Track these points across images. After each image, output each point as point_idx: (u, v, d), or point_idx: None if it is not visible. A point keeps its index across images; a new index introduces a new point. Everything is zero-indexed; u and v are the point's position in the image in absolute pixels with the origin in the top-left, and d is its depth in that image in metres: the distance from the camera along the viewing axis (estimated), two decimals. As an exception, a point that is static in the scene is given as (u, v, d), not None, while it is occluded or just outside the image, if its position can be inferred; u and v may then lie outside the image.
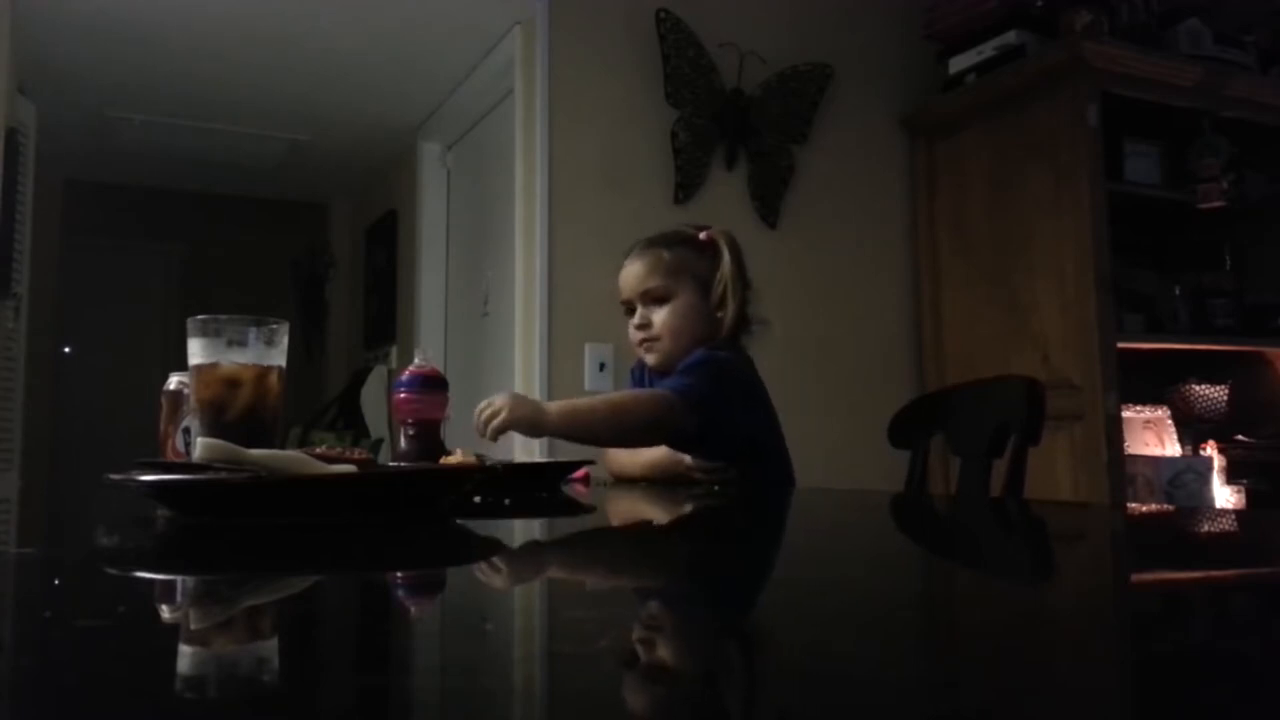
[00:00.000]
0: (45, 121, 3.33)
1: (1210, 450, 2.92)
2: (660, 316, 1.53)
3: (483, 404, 1.37)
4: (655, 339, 1.53)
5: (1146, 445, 2.88)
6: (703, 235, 1.56)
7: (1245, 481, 2.85)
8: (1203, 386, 2.99)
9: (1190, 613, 0.50)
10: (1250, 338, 2.95)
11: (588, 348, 2.70)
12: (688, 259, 1.54)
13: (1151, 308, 2.86)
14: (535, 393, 2.67)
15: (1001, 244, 2.85)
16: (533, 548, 0.85)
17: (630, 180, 2.81)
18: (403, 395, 1.42)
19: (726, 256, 1.53)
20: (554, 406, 1.40)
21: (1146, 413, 2.92)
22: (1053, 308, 2.68)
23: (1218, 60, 2.87)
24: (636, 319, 1.55)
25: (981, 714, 0.30)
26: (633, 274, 1.56)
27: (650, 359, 1.55)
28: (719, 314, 1.51)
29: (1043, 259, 2.71)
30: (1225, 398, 2.98)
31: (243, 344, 0.98)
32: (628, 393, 1.47)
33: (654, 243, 1.57)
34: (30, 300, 3.27)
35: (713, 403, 1.40)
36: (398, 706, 0.32)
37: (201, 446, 0.85)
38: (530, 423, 1.36)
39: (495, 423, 1.33)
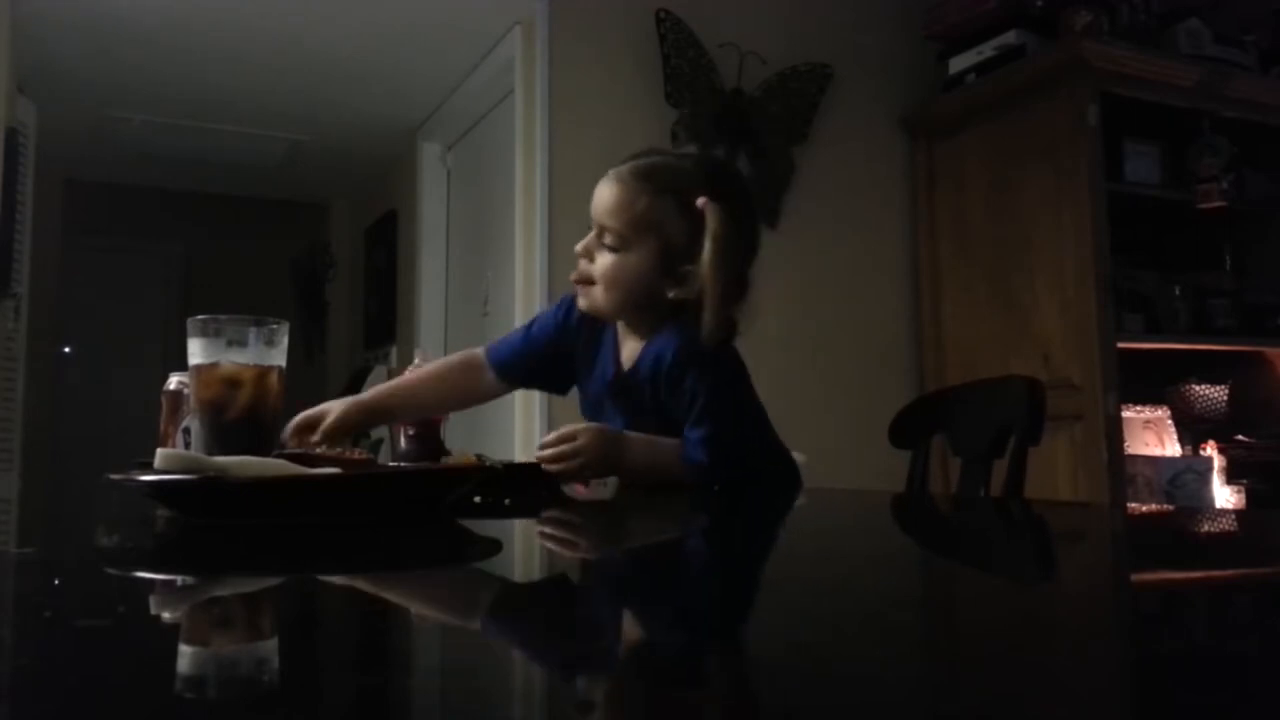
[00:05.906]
0: (45, 121, 3.33)
1: (1210, 450, 2.91)
2: (603, 262, 1.25)
3: (556, 436, 1.18)
4: (590, 283, 1.27)
5: (1146, 445, 2.88)
6: (700, 201, 1.21)
7: (1245, 481, 2.85)
8: (1203, 386, 2.99)
9: (1190, 613, 0.50)
10: (1250, 338, 2.95)
11: (588, 348, 2.69)
12: (666, 215, 1.23)
13: (1151, 308, 2.86)
14: (535, 394, 2.67)
15: (1001, 244, 2.85)
16: (532, 548, 0.85)
17: (630, 180, 2.80)
18: (403, 395, 1.42)
19: (708, 251, 1.18)
20: (636, 448, 1.22)
21: (1146, 413, 2.92)
22: (1053, 308, 2.68)
23: (1218, 60, 2.87)
24: (581, 246, 1.28)
25: (981, 714, 0.30)
26: (600, 200, 1.28)
27: (581, 302, 1.29)
28: (671, 292, 1.22)
29: (1043, 259, 2.71)
30: (1225, 398, 2.98)
31: (243, 344, 0.98)
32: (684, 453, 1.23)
33: (642, 175, 1.27)
34: (30, 300, 3.27)
35: (731, 447, 1.24)
36: (398, 706, 0.32)
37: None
38: (611, 467, 1.20)
39: (573, 464, 1.16)
